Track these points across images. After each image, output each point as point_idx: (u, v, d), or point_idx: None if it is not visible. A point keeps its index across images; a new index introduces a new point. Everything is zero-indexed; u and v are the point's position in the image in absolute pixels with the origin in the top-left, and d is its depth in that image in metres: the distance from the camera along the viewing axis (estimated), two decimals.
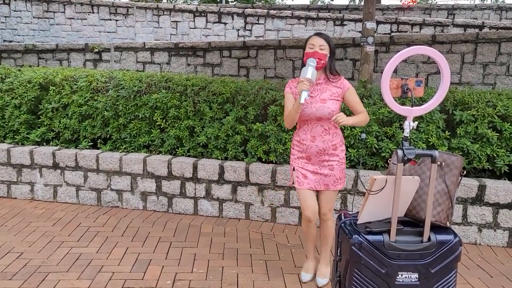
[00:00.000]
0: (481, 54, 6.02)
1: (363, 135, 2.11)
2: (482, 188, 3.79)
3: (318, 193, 2.99)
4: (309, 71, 2.65)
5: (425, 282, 1.93)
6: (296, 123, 2.98)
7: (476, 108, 3.99)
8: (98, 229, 3.96)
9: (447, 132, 4.03)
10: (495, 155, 3.93)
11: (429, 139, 3.98)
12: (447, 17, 10.72)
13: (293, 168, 2.98)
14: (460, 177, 2.01)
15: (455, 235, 1.97)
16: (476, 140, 3.99)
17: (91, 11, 9.83)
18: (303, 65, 2.87)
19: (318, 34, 2.89)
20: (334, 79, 2.90)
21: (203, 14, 9.36)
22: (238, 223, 4.17)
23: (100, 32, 9.71)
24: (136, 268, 3.26)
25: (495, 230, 3.81)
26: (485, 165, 3.95)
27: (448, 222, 1.98)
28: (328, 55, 2.85)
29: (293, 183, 3.00)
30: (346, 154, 4.12)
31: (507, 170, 3.94)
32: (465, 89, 4.42)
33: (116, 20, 9.71)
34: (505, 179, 3.97)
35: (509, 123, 3.93)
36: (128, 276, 3.15)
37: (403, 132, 1.91)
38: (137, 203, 4.45)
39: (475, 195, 3.80)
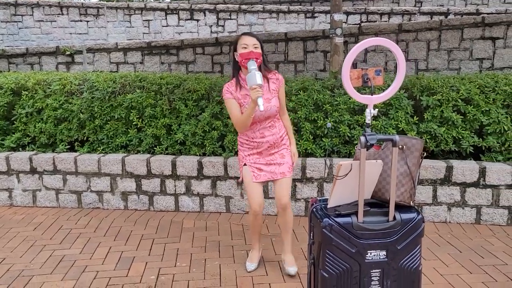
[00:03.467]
0: (445, 40, 6.24)
1: (329, 125, 2.23)
2: (449, 169, 3.98)
3: (274, 184, 3.04)
4: (258, 76, 2.66)
5: (393, 258, 2.07)
6: None
7: (441, 93, 4.17)
8: (80, 230, 4.00)
9: (415, 117, 4.20)
10: (460, 137, 4.12)
11: (398, 125, 4.14)
12: (415, 5, 10.96)
13: (244, 164, 3.04)
14: (421, 159, 2.14)
15: (418, 212, 2.11)
16: (442, 124, 4.18)
17: (60, 12, 9.69)
18: (235, 63, 2.93)
19: (248, 34, 2.93)
20: (270, 74, 2.97)
21: (175, 12, 9.36)
22: (219, 216, 4.27)
23: (71, 34, 9.59)
24: (120, 265, 3.33)
25: (463, 208, 4.01)
26: (451, 147, 4.14)
27: (411, 202, 2.12)
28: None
29: (242, 180, 3.07)
30: (320, 144, 4.27)
31: (472, 151, 4.13)
32: (431, 75, 4.60)
33: (87, 21, 9.61)
34: (470, 159, 4.17)
35: (472, 106, 4.12)
36: (113, 274, 3.21)
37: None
38: (118, 203, 4.49)
39: (444, 176, 3.98)
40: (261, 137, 2.96)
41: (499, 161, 4.11)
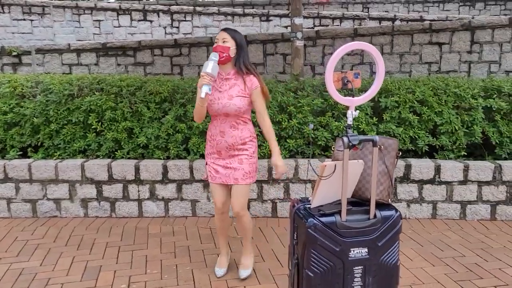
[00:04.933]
0: (397, 45, 6.55)
1: (311, 125, 2.27)
2: (408, 167, 4.17)
3: (230, 189, 2.99)
4: (209, 65, 2.66)
5: (374, 254, 2.14)
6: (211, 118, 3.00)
7: (398, 95, 4.36)
8: (38, 241, 3.78)
9: (374, 118, 4.36)
10: (416, 137, 4.33)
11: (359, 126, 4.29)
12: (363, 10, 11.42)
13: (206, 162, 3.02)
14: (396, 158, 2.24)
15: (396, 210, 2.20)
16: (400, 124, 4.37)
17: (1, 11, 9.09)
18: None
19: (223, 29, 2.91)
20: (246, 75, 2.87)
21: (127, 12, 9.09)
22: (186, 220, 4.20)
23: (13, 33, 9.02)
24: (87, 276, 3.18)
25: (421, 204, 4.22)
26: (409, 146, 4.34)
27: (389, 199, 2.21)
28: (233, 48, 2.82)
29: (207, 177, 3.03)
30: (285, 145, 4.32)
31: (427, 150, 4.36)
32: (387, 78, 4.80)
33: (31, 20, 9.09)
34: (426, 158, 4.39)
35: (426, 107, 4.35)
36: (79, 285, 3.06)
37: (346, 120, 2.08)
38: (77, 210, 4.29)
39: (403, 174, 4.17)
40: (221, 136, 2.89)
41: (451, 158, 4.36)
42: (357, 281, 2.14)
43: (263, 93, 2.92)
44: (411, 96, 4.35)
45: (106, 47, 6.67)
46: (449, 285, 3.03)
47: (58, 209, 4.29)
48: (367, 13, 9.30)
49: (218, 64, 2.74)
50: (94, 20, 9.07)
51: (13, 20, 9.08)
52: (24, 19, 9.09)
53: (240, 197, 2.94)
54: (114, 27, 9.09)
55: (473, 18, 7.48)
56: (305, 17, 9.01)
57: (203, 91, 2.65)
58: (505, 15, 11.25)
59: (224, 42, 2.81)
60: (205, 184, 4.20)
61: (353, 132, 2.07)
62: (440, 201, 4.21)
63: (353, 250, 2.10)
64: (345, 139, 2.01)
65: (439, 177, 4.16)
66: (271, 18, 9.16)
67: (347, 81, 2.09)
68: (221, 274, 3.16)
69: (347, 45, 1.98)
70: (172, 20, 9.12)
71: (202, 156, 4.33)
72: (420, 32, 6.45)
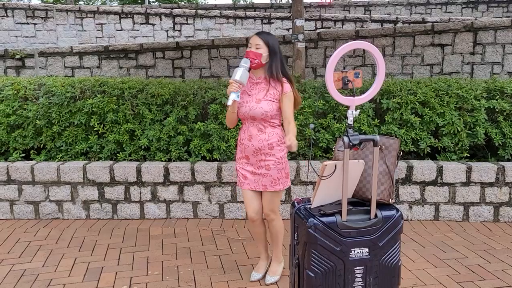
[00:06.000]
0: (399, 46, 6.55)
1: (311, 126, 2.27)
2: (410, 169, 4.16)
3: (261, 193, 2.98)
4: (238, 73, 2.65)
5: (375, 254, 2.13)
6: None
7: (400, 96, 4.35)
8: (40, 242, 3.79)
9: (376, 119, 4.36)
10: (418, 138, 4.32)
11: (361, 127, 4.28)
12: (364, 13, 11.43)
13: (236, 168, 3.02)
14: (397, 158, 2.23)
15: (397, 210, 2.19)
16: (402, 126, 4.36)
17: (5, 14, 9.16)
18: None
19: (258, 33, 2.88)
20: (275, 80, 2.82)
21: (129, 16, 9.13)
22: (187, 222, 4.20)
23: (17, 37, 9.08)
24: (89, 277, 3.19)
25: (423, 206, 4.20)
26: (410, 147, 4.33)
27: (390, 199, 2.20)
28: (266, 54, 2.78)
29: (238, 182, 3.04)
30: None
31: (429, 151, 4.35)
32: (389, 79, 4.79)
33: (35, 24, 9.14)
34: (428, 159, 4.38)
35: (428, 108, 4.34)
36: (81, 286, 3.07)
37: (346, 119, 2.08)
38: (79, 212, 4.30)
39: (405, 175, 4.16)
40: (248, 140, 2.87)
41: (453, 160, 4.35)
42: (358, 282, 2.13)
43: (295, 100, 2.89)
44: (413, 98, 4.34)
45: (108, 50, 6.69)
46: (451, 286, 3.02)
47: (60, 211, 4.30)
48: (369, 16, 9.30)
49: (249, 68, 2.74)
50: (96, 24, 9.11)
51: (17, 23, 9.14)
52: (27, 23, 9.14)
53: (269, 202, 2.94)
54: (117, 30, 9.13)
55: (475, 19, 7.47)
56: (307, 20, 9.02)
57: (231, 98, 2.64)
58: (508, 17, 11.23)
59: (257, 48, 2.77)
60: (206, 186, 4.21)
61: (354, 132, 2.07)
62: (443, 202, 4.19)
63: (354, 250, 2.09)
64: (346, 139, 2.01)
65: (442, 179, 4.15)
66: (272, 20, 9.18)
67: (347, 81, 2.09)
68: (256, 278, 3.10)
69: (347, 44, 1.98)
70: (174, 23, 9.15)
71: (204, 158, 4.34)
72: (422, 34, 6.45)
